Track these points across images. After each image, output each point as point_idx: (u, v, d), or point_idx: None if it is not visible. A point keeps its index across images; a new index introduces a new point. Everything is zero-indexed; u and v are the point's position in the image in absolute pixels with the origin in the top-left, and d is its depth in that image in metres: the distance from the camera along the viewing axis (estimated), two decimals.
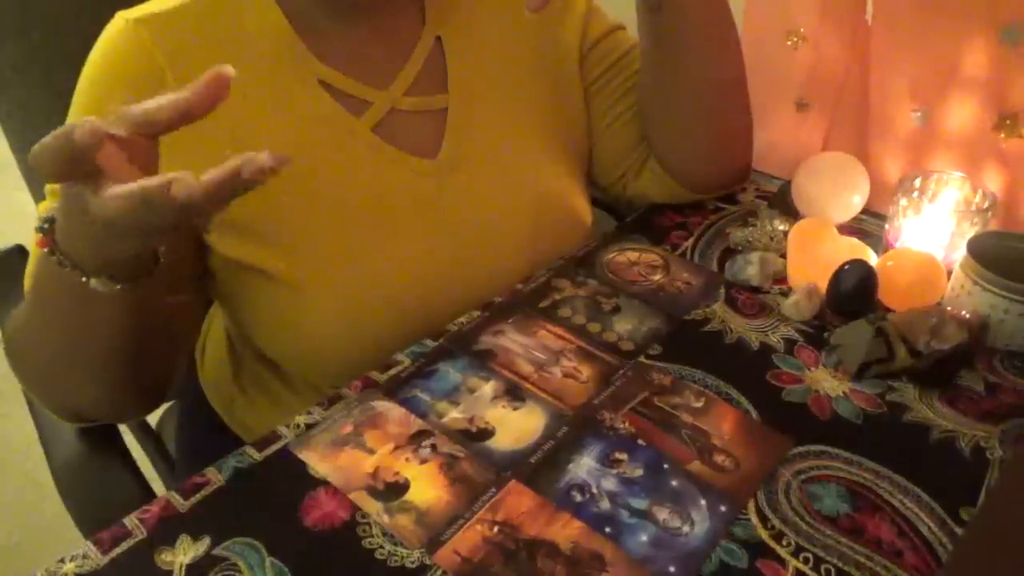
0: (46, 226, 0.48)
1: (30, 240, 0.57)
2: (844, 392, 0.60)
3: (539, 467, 0.53)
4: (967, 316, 0.62)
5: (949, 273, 0.68)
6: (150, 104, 0.41)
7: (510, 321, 0.66)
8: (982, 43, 0.81)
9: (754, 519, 0.50)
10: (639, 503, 0.50)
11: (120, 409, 0.67)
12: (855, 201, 0.78)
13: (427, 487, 0.51)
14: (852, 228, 0.79)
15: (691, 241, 0.78)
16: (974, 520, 0.50)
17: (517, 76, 0.75)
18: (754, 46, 0.98)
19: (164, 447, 0.90)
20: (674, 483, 0.52)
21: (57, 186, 0.61)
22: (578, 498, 0.51)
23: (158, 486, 0.76)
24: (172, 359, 0.66)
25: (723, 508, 0.50)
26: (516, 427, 0.56)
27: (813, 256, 0.70)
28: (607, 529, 0.49)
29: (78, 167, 0.41)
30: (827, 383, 0.61)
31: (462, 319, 0.66)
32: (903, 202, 0.72)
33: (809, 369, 0.62)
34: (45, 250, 0.48)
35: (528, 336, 0.64)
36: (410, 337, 0.64)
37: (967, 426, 0.57)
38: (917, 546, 0.48)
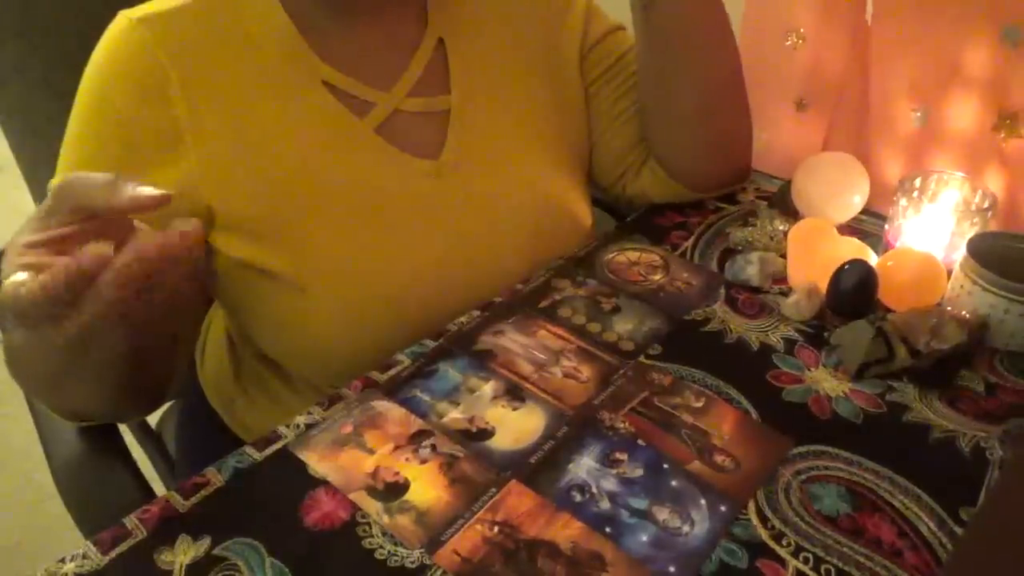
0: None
1: None
2: (844, 392, 0.60)
3: (539, 467, 0.53)
4: (967, 316, 0.62)
5: (949, 273, 0.68)
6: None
7: (510, 321, 0.66)
8: (982, 43, 0.81)
9: (754, 519, 0.50)
10: (639, 503, 0.50)
11: (121, 411, 0.67)
12: (855, 201, 0.78)
13: (427, 487, 0.51)
14: (852, 228, 0.79)
15: (691, 241, 0.78)
16: (974, 520, 0.50)
17: (519, 77, 0.75)
18: (754, 46, 0.98)
19: (164, 447, 0.90)
20: (674, 483, 0.52)
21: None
22: (578, 498, 0.51)
23: (158, 486, 0.76)
24: (172, 361, 0.66)
25: (723, 508, 0.50)
26: (516, 427, 0.56)
27: (813, 256, 0.70)
28: (607, 529, 0.49)
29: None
30: (827, 383, 0.61)
31: (462, 319, 0.66)
32: (903, 202, 0.72)
33: (809, 369, 0.62)
34: None
35: (528, 336, 0.64)
36: (411, 337, 0.64)
37: (967, 426, 0.57)
38: (917, 546, 0.48)
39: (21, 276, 0.41)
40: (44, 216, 0.44)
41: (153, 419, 0.93)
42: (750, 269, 0.71)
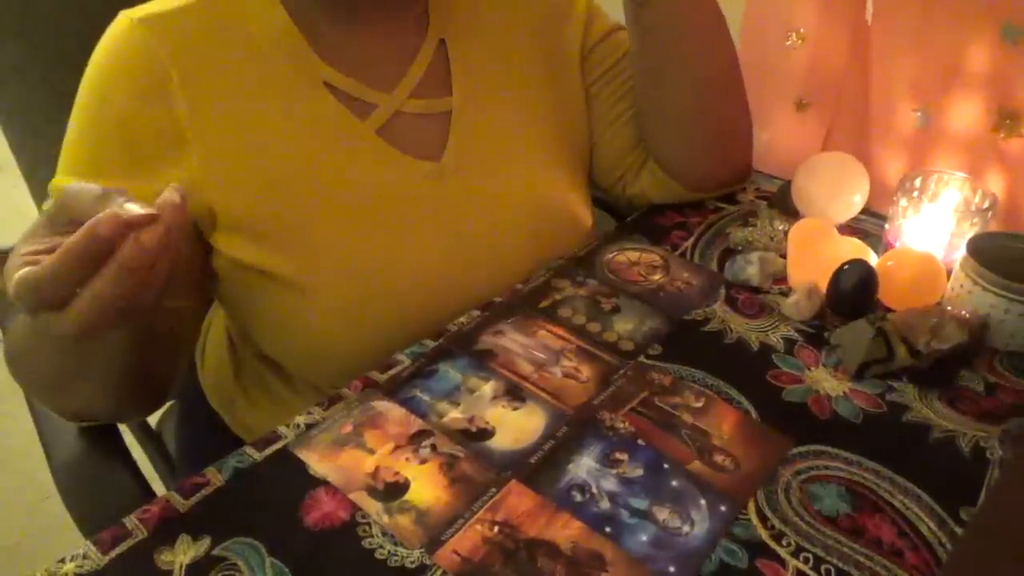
0: None
1: None
2: (844, 392, 0.60)
3: (539, 467, 0.53)
4: (967, 316, 0.62)
5: (949, 273, 0.68)
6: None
7: (510, 321, 0.66)
8: (982, 42, 0.81)
9: (754, 519, 0.50)
10: (639, 503, 0.50)
11: (122, 411, 0.67)
12: (855, 201, 0.78)
13: (427, 487, 0.51)
14: (852, 228, 0.79)
15: (691, 241, 0.78)
16: (974, 520, 0.50)
17: (520, 78, 0.75)
18: (754, 46, 0.98)
19: (164, 447, 0.90)
20: (674, 483, 0.52)
21: (59, 184, 0.61)
22: (578, 498, 0.51)
23: (158, 486, 0.76)
24: (174, 362, 0.66)
25: (723, 508, 0.50)
26: (516, 427, 0.56)
27: (813, 256, 0.70)
28: (607, 529, 0.49)
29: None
30: (827, 383, 0.61)
31: (462, 319, 0.66)
32: (903, 202, 0.72)
33: (809, 369, 0.62)
34: None
35: (528, 336, 0.64)
36: (412, 337, 0.64)
37: (967, 426, 0.57)
38: (917, 546, 0.48)
39: (27, 269, 0.41)
40: (46, 224, 0.44)
41: (153, 419, 0.93)
42: (750, 269, 0.71)
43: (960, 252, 0.66)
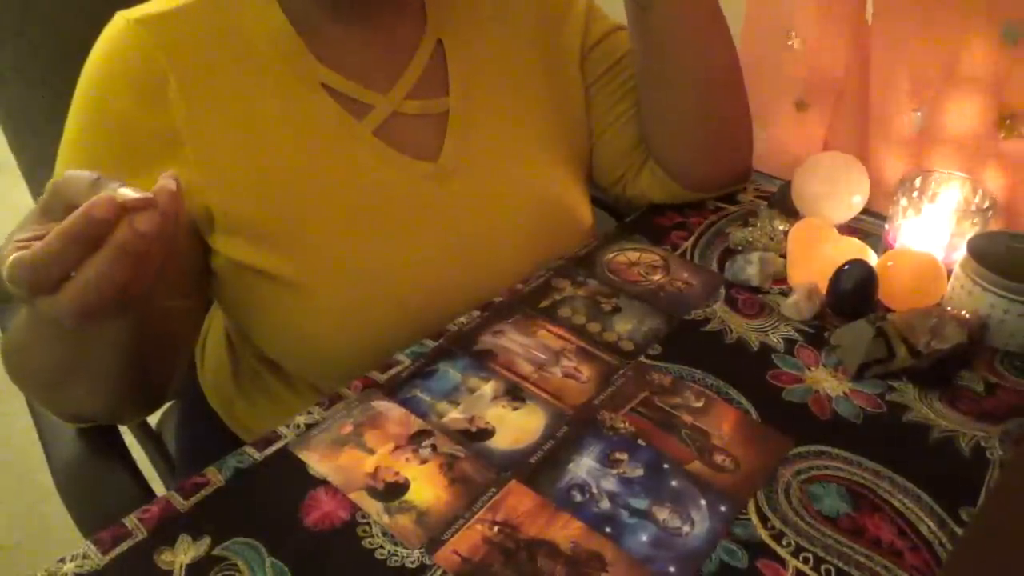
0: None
1: None
2: (844, 392, 0.60)
3: (539, 467, 0.53)
4: (967, 316, 0.62)
5: (949, 273, 0.68)
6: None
7: (510, 321, 0.66)
8: (982, 42, 0.82)
9: (754, 519, 0.50)
10: (639, 503, 0.50)
11: (121, 412, 0.67)
12: (855, 201, 0.78)
13: (427, 487, 0.51)
14: (852, 228, 0.79)
15: (691, 241, 0.78)
16: (974, 520, 0.50)
17: (518, 78, 0.75)
18: (754, 46, 0.99)
19: (164, 447, 0.90)
20: (674, 483, 0.52)
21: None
22: (578, 498, 0.51)
23: (158, 486, 0.76)
24: (173, 362, 0.66)
25: (723, 508, 0.50)
26: (516, 427, 0.56)
27: (813, 256, 0.70)
28: (607, 529, 0.49)
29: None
30: (827, 383, 0.61)
31: (462, 319, 0.66)
32: (903, 202, 0.72)
33: (809, 369, 0.62)
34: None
35: (528, 336, 0.64)
36: (411, 338, 0.64)
37: (967, 426, 0.57)
38: (917, 546, 0.48)
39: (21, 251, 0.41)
40: (40, 213, 0.44)
41: (153, 419, 0.93)
42: (750, 269, 0.71)
43: (960, 252, 0.66)
